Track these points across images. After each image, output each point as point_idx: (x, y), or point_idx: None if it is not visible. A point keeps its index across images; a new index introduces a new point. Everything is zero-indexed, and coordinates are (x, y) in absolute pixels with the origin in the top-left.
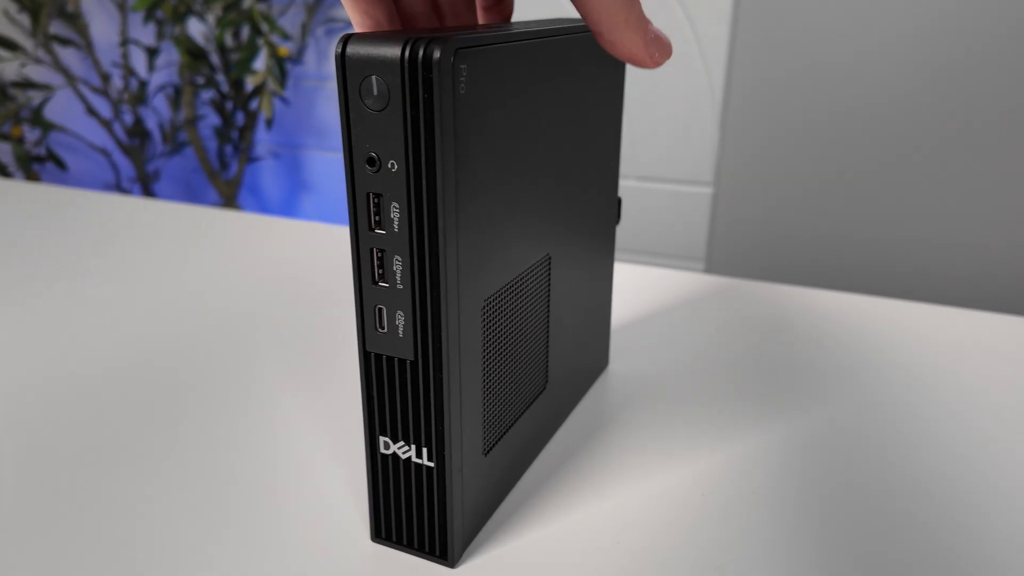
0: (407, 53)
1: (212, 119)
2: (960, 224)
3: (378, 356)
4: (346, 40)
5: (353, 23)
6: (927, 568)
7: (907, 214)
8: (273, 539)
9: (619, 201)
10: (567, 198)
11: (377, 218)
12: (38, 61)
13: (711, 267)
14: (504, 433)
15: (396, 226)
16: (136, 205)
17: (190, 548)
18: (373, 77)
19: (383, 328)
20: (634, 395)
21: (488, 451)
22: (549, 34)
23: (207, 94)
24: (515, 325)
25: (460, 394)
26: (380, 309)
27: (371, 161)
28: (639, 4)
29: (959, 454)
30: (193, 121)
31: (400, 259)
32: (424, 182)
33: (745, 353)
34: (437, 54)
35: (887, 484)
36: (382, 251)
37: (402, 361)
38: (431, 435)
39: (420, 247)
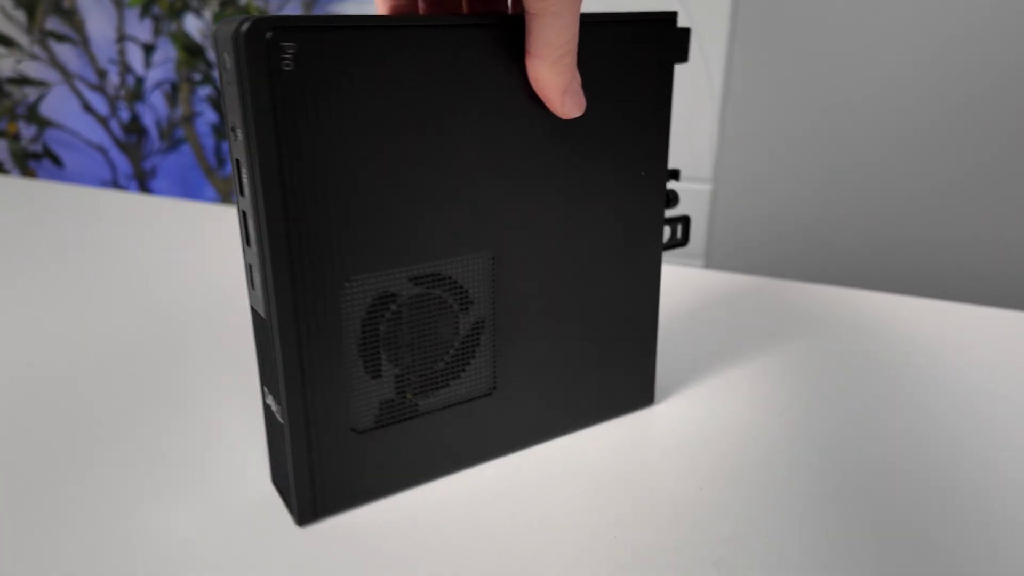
0: (241, 30)
1: (209, 116)
2: (957, 219)
3: (253, 311)
4: (223, 21)
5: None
6: (925, 564)
7: (905, 210)
8: (181, 483)
9: (687, 220)
10: (521, 201)
11: (240, 183)
12: (34, 57)
13: (710, 263)
14: (400, 420)
15: (247, 192)
16: (131, 201)
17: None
18: (225, 53)
19: (253, 287)
20: None
21: (364, 431)
22: (457, 25)
23: (204, 90)
24: (412, 315)
25: (309, 360)
26: (250, 267)
27: (232, 130)
28: (575, 56)
29: (961, 449)
30: (190, 118)
31: (253, 223)
32: (257, 152)
33: (746, 346)
34: (245, 28)
35: (887, 479)
36: (244, 214)
37: (262, 318)
38: (279, 392)
39: (260, 213)
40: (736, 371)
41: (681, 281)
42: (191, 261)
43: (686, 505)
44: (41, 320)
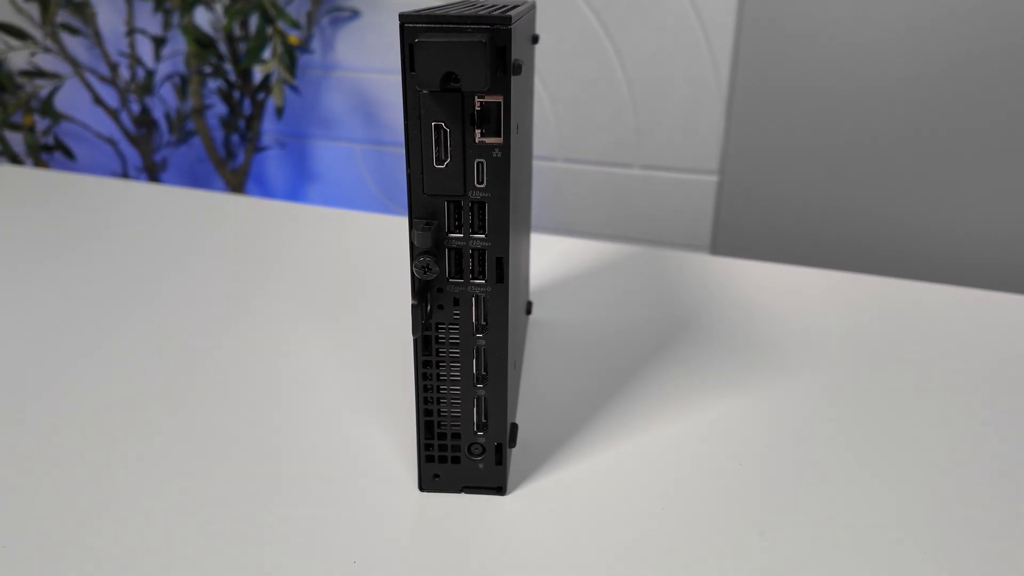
0: None
1: (219, 108)
2: (960, 208)
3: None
4: None
5: None
6: (952, 529)
7: (911, 201)
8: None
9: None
10: None
11: None
12: (46, 50)
13: (716, 255)
14: None
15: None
16: (138, 190)
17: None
18: None
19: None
20: (658, 374)
21: None
22: None
23: (214, 83)
24: None
25: None
26: None
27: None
28: None
29: (979, 429)
30: (200, 110)
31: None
32: None
33: (758, 336)
34: None
35: (910, 462)
36: None
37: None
38: None
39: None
40: (754, 358)
41: (685, 267)
42: (202, 250)
43: (728, 477)
44: (46, 308)
